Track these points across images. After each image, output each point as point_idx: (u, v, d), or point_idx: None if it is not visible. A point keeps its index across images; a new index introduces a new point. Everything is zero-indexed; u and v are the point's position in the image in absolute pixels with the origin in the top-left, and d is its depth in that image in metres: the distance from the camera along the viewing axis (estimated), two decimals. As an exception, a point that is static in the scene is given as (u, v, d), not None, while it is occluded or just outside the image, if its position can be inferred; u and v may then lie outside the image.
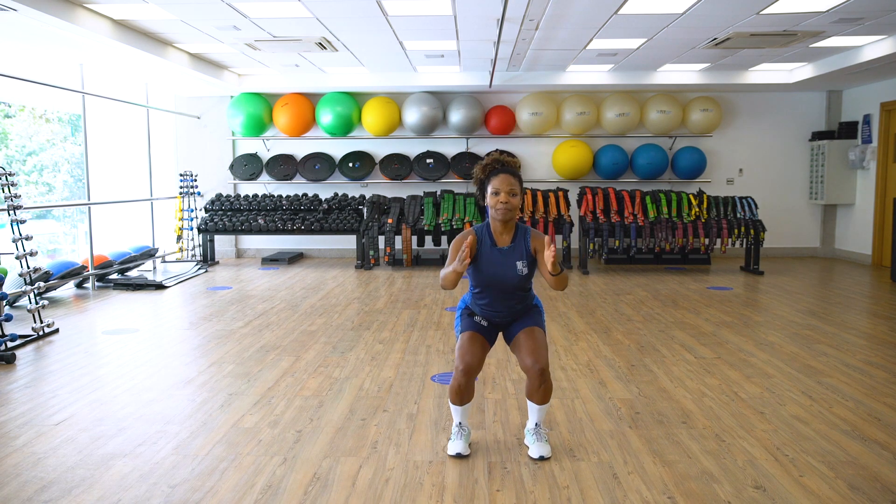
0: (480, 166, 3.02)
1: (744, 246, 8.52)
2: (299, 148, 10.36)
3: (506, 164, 2.99)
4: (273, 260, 9.76)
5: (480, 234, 3.02)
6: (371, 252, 9.01)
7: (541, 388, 2.98)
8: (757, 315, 6.11)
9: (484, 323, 3.09)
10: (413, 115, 9.70)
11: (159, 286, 7.57)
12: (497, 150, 3.14)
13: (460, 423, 3.10)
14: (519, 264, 2.98)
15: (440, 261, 9.44)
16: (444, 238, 9.61)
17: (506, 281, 2.99)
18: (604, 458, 3.04)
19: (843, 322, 5.78)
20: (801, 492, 2.72)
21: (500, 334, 3.21)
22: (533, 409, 3.06)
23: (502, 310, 3.07)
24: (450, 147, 10.24)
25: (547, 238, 2.86)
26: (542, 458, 3.00)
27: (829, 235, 10.24)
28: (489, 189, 2.96)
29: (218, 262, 9.80)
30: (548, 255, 2.79)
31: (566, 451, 3.11)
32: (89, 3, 5.71)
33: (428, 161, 10.02)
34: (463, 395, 3.02)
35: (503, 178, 2.93)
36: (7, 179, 5.50)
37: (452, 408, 3.08)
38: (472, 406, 3.57)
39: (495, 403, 3.74)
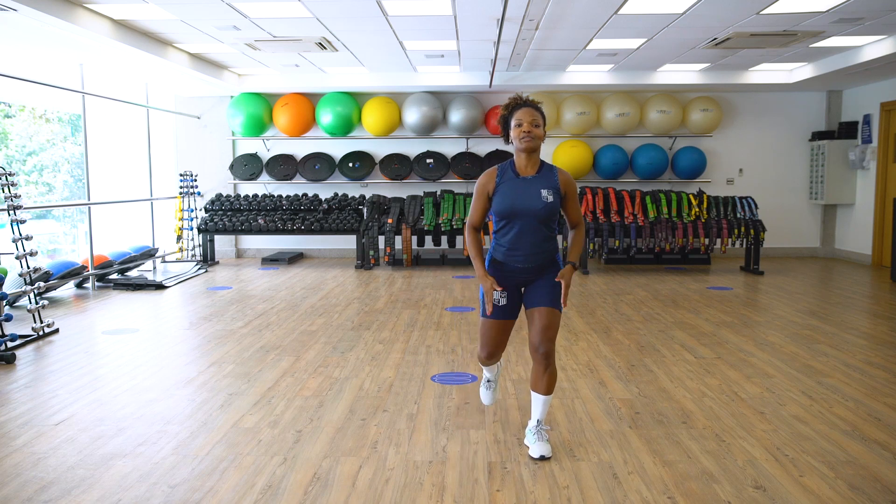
0: (503, 106, 3.09)
1: (744, 246, 8.52)
2: (299, 148, 10.36)
3: (528, 100, 3.05)
4: (273, 260, 9.76)
5: (503, 169, 3.06)
6: (371, 252, 9.01)
7: (545, 374, 3.01)
8: (757, 315, 6.11)
9: (502, 301, 3.04)
10: (413, 115, 9.70)
11: (159, 286, 7.57)
12: (517, 93, 3.20)
13: (489, 380, 3.41)
14: (544, 192, 2.98)
15: (440, 261, 9.44)
16: (444, 238, 9.62)
17: (530, 207, 2.97)
18: (604, 458, 3.04)
19: (843, 322, 5.78)
20: (801, 492, 2.72)
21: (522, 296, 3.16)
22: (537, 401, 3.06)
23: (527, 247, 3.00)
24: (450, 147, 10.24)
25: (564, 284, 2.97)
26: (542, 458, 3.00)
27: (829, 235, 10.24)
28: (513, 122, 3.02)
29: (218, 262, 9.80)
30: (563, 288, 2.96)
31: (566, 451, 3.11)
32: (89, 3, 5.71)
33: (428, 161, 10.02)
34: (490, 362, 3.28)
35: (526, 111, 2.99)
36: (7, 179, 5.50)
37: (484, 368, 3.39)
38: (460, 400, 3.59)
39: (495, 403, 3.74)
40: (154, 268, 8.94)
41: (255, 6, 5.78)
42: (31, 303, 5.33)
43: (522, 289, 3.12)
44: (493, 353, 3.16)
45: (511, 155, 10.21)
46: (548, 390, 3.03)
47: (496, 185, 3.03)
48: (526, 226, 2.99)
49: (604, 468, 2.93)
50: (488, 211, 3.10)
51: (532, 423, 3.10)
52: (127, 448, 3.16)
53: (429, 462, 3.01)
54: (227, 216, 9.36)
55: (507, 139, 3.10)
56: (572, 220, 3.12)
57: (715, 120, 9.79)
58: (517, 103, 3.04)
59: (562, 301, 2.98)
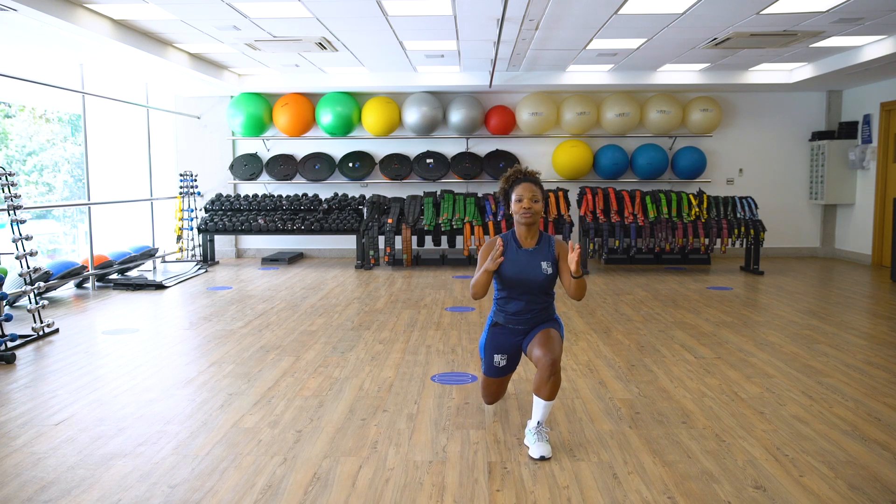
0: (503, 178, 3.27)
1: (744, 246, 8.52)
2: (299, 148, 10.36)
3: (527, 174, 3.23)
4: (273, 260, 9.76)
5: (507, 240, 3.25)
6: (371, 252, 9.01)
7: (549, 381, 3.03)
8: (757, 315, 6.11)
9: (503, 363, 3.35)
10: (413, 115, 9.70)
11: (159, 286, 7.57)
12: (517, 165, 3.35)
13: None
14: (544, 264, 3.20)
15: (440, 261, 9.44)
16: (444, 238, 9.62)
17: (532, 279, 3.19)
18: (604, 458, 3.04)
19: (843, 322, 5.78)
20: (801, 492, 2.72)
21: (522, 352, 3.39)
22: (539, 405, 3.07)
23: (527, 314, 3.24)
24: (450, 147, 10.24)
25: (571, 242, 3.08)
26: (542, 458, 3.00)
27: (829, 235, 10.24)
28: (513, 197, 3.21)
29: (218, 262, 9.80)
30: (572, 257, 3.04)
31: (566, 451, 3.11)
32: (89, 3, 5.71)
33: (428, 161, 10.02)
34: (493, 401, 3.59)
35: (525, 186, 3.18)
36: (7, 179, 5.50)
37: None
38: (459, 399, 3.61)
39: (495, 403, 3.74)
40: (154, 268, 8.94)
41: (255, 6, 5.78)
42: (31, 303, 5.33)
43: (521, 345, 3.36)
44: (493, 401, 3.56)
45: (514, 157, 10.23)
46: (550, 396, 3.05)
47: (502, 254, 3.17)
48: (526, 294, 3.23)
49: (604, 468, 2.93)
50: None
51: (532, 423, 3.11)
52: (127, 448, 3.16)
53: (429, 462, 3.01)
54: (227, 216, 9.36)
55: (507, 210, 3.33)
56: (566, 277, 3.23)
57: (715, 120, 9.79)
58: (517, 178, 3.22)
59: (577, 259, 3.04)
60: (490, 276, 3.14)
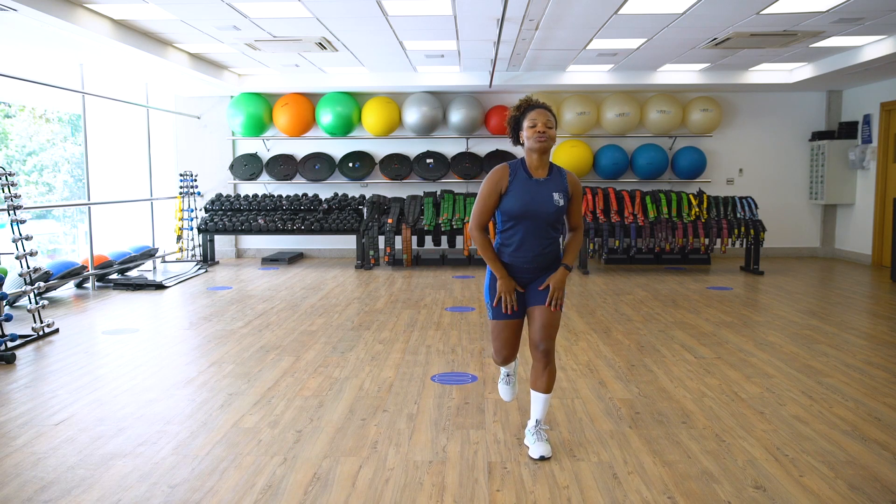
0: (513, 107, 3.07)
1: (744, 246, 8.52)
2: (299, 148, 10.36)
3: (539, 102, 3.04)
4: (273, 260, 9.76)
5: (514, 168, 3.02)
6: (371, 252, 9.01)
7: (545, 372, 3.02)
8: (757, 315, 6.11)
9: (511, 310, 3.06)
10: (413, 115, 9.70)
11: (159, 286, 7.57)
12: (526, 95, 3.19)
13: (508, 374, 3.38)
14: (556, 195, 2.98)
15: (440, 261, 9.44)
16: (443, 238, 9.62)
17: (541, 210, 2.96)
18: (604, 458, 3.04)
19: (843, 322, 5.78)
20: (801, 492, 2.72)
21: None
22: (537, 400, 3.06)
23: (531, 252, 3.00)
24: (450, 147, 10.24)
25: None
26: (542, 458, 3.00)
27: (829, 235, 10.24)
28: (525, 123, 2.99)
29: (218, 262, 9.80)
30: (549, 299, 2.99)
31: (566, 451, 3.11)
32: (89, 3, 5.71)
33: (428, 161, 10.02)
34: (507, 364, 3.28)
35: (540, 112, 2.98)
36: (7, 179, 5.50)
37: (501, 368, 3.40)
38: (459, 400, 3.59)
39: (495, 403, 3.74)
40: (154, 268, 8.94)
41: (255, 6, 5.78)
42: (31, 303, 5.33)
43: (526, 286, 3.10)
44: (508, 357, 3.15)
45: (513, 156, 10.22)
46: (547, 388, 3.04)
47: (509, 184, 2.98)
48: (534, 227, 2.98)
49: (604, 468, 2.93)
50: (495, 209, 3.04)
51: (531, 423, 3.10)
52: (127, 448, 3.16)
53: (429, 462, 3.01)
54: (227, 216, 9.36)
55: (515, 140, 3.07)
56: (573, 223, 3.10)
57: (715, 120, 9.79)
58: (529, 105, 3.03)
59: (552, 304, 2.97)
60: (492, 248, 3.03)
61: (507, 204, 2.98)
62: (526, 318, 3.11)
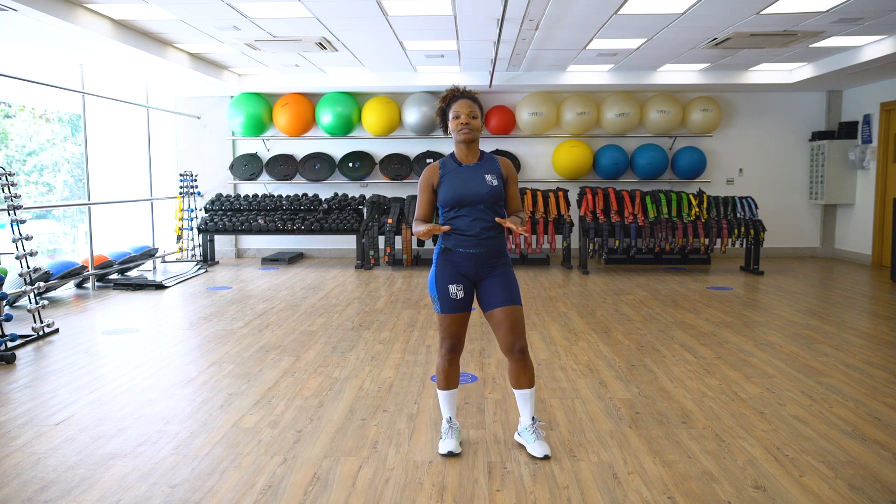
0: (440, 98, 3.10)
1: (744, 246, 8.52)
2: (299, 148, 10.36)
3: (464, 91, 3.08)
4: (273, 260, 9.76)
5: (444, 163, 3.09)
6: (371, 252, 9.01)
7: (526, 370, 3.03)
8: (757, 315, 6.11)
9: (459, 294, 3.04)
10: (413, 115, 9.70)
11: (159, 286, 7.57)
12: (454, 85, 3.20)
13: (450, 418, 3.14)
14: (488, 177, 3.03)
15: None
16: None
17: (476, 192, 2.99)
18: (604, 458, 3.04)
19: (843, 322, 5.78)
20: (801, 492, 2.72)
21: (475, 296, 3.13)
22: (524, 398, 3.07)
23: (473, 232, 2.99)
24: (450, 147, 10.24)
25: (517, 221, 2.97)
26: (546, 458, 3.00)
27: (829, 235, 10.24)
28: (450, 115, 3.04)
29: (218, 262, 9.80)
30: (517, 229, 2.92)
31: (566, 451, 3.11)
32: (89, 3, 5.71)
33: (428, 161, 10.02)
34: (449, 377, 3.11)
35: (462, 103, 3.01)
36: (7, 179, 5.50)
37: (440, 395, 3.15)
38: (459, 400, 3.58)
39: (495, 403, 3.74)
40: (154, 268, 8.94)
41: (255, 6, 5.78)
42: (31, 303, 5.33)
43: (474, 284, 3.09)
44: (455, 346, 3.10)
45: (514, 156, 10.21)
46: (530, 383, 3.06)
47: (440, 178, 3.04)
48: (472, 211, 3.01)
49: (604, 468, 2.93)
50: (435, 205, 3.10)
51: (526, 421, 3.10)
52: (127, 448, 3.16)
53: (429, 462, 3.01)
54: (227, 216, 9.36)
55: (445, 130, 3.12)
56: (512, 207, 3.15)
57: (715, 120, 9.79)
58: (454, 95, 3.06)
59: (515, 227, 2.92)
60: (430, 223, 3.01)
61: (442, 194, 3.04)
62: (488, 322, 3.12)
